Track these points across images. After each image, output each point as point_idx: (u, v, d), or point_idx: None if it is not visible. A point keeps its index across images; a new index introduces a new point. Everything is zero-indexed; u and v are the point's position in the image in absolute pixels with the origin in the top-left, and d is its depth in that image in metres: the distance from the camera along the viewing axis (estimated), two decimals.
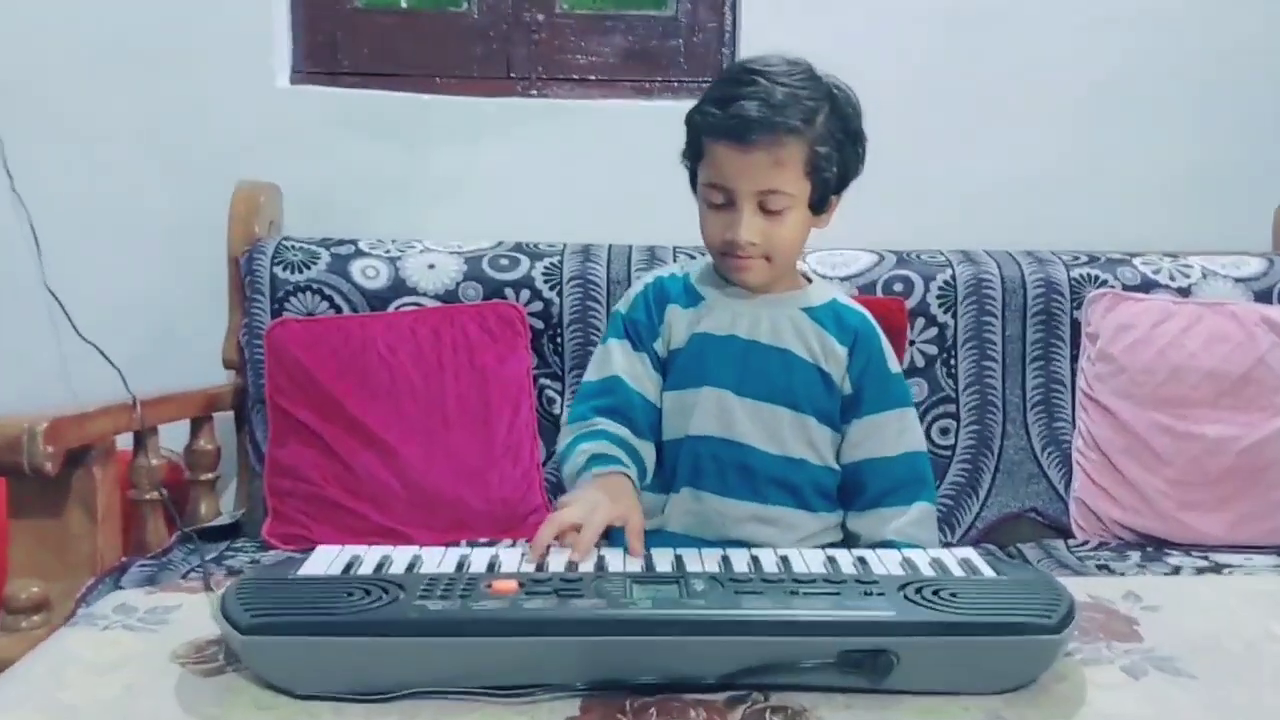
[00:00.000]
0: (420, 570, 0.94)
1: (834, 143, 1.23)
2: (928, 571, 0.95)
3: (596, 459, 1.20)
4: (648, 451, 1.28)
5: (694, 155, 1.27)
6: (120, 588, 1.33)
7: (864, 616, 0.85)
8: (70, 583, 1.36)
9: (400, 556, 0.97)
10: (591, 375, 1.34)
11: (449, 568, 0.94)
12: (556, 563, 0.98)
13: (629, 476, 1.19)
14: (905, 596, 0.88)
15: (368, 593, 0.86)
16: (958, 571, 0.96)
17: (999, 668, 0.85)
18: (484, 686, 0.82)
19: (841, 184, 1.27)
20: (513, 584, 0.88)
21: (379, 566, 0.94)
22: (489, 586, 0.87)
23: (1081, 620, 0.96)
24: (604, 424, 1.26)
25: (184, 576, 1.43)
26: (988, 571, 0.96)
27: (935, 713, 0.82)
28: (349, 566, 0.95)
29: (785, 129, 1.18)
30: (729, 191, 1.22)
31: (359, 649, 0.81)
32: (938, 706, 0.83)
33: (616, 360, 1.31)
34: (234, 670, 0.87)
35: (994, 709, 0.83)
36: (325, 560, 0.96)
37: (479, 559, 0.97)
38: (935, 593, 0.88)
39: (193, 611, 1.00)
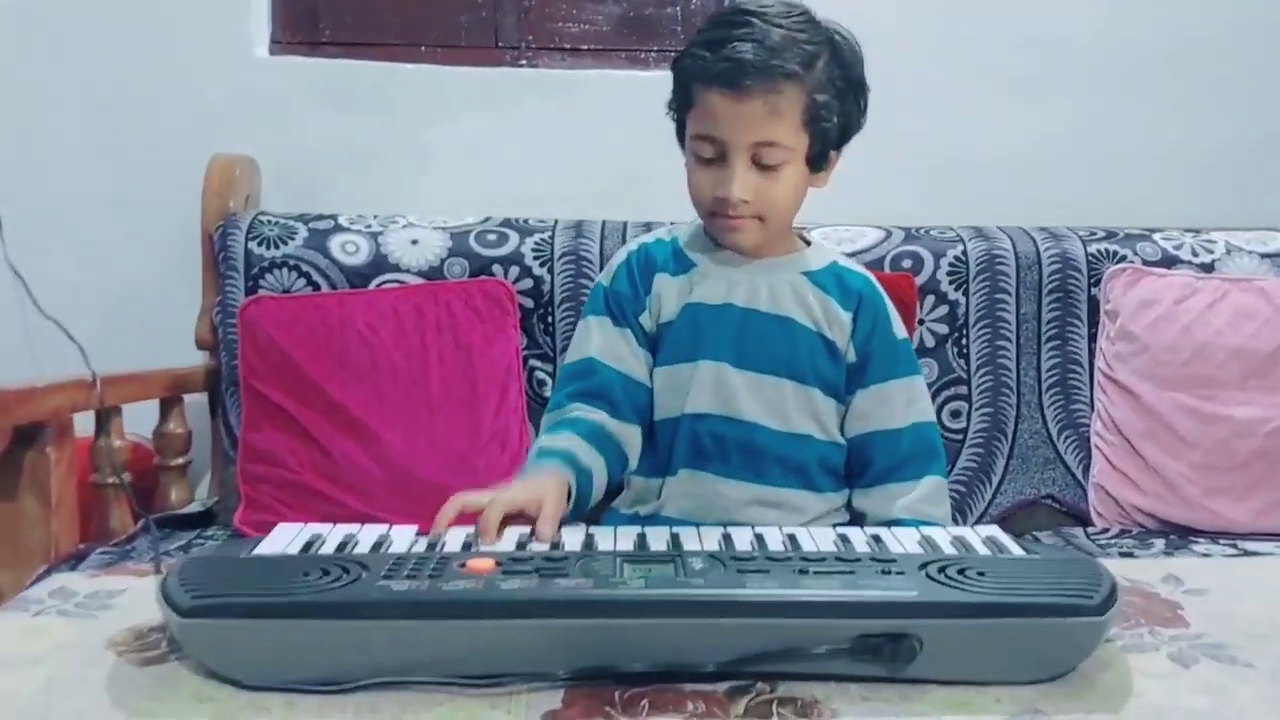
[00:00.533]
0: (388, 550, 0.85)
1: (834, 91, 1.13)
2: (950, 550, 0.86)
3: (543, 453, 1.10)
4: (629, 435, 1.19)
5: (682, 105, 1.17)
6: None
7: (882, 597, 0.75)
8: (22, 572, 1.27)
9: (367, 535, 0.88)
10: (570, 357, 1.25)
11: (420, 547, 0.85)
12: (539, 543, 0.89)
13: (559, 471, 1.06)
14: (928, 575, 0.78)
15: (326, 572, 0.77)
16: (983, 550, 0.87)
17: (1035, 654, 0.76)
18: (455, 675, 0.73)
19: (842, 138, 1.17)
20: (489, 563, 0.79)
21: (342, 545, 0.85)
22: (463, 566, 0.78)
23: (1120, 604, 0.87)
24: (578, 411, 1.17)
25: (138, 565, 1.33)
26: (1016, 550, 0.87)
27: (964, 705, 0.73)
28: (309, 545, 0.85)
29: (782, 74, 1.09)
30: (720, 144, 1.13)
31: (313, 633, 0.72)
32: (967, 698, 0.74)
33: (594, 339, 1.22)
34: (177, 659, 0.78)
35: (1030, 701, 0.73)
36: (284, 539, 0.87)
37: (454, 538, 0.89)
38: (961, 572, 0.79)
39: (139, 596, 0.90)
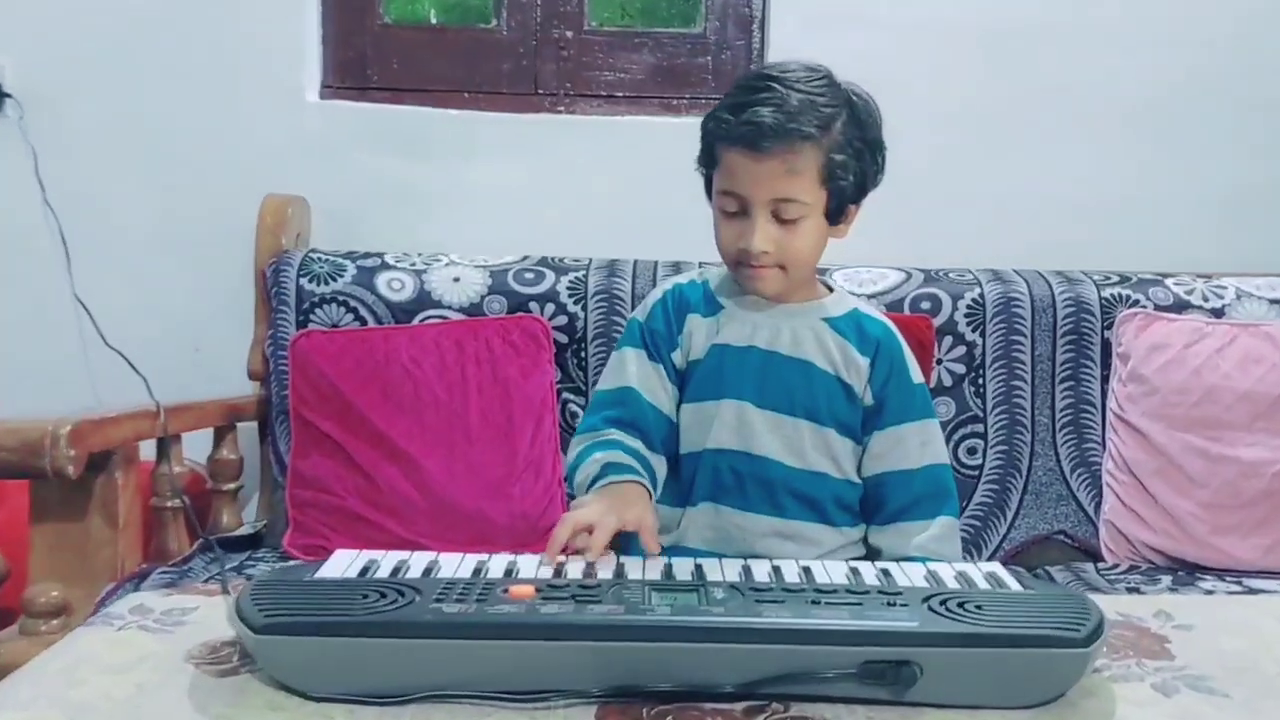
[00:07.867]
0: (437, 575, 0.93)
1: (851, 151, 1.21)
2: (953, 584, 0.94)
3: (611, 467, 1.19)
4: (659, 465, 1.27)
5: (708, 162, 1.26)
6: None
7: (887, 626, 0.83)
8: (90, 588, 1.37)
9: (417, 561, 0.96)
10: (605, 384, 1.33)
11: (466, 573, 0.94)
12: (574, 570, 0.97)
13: (643, 485, 1.18)
14: (929, 608, 0.86)
15: (383, 595, 0.86)
16: (983, 585, 0.94)
17: (1025, 682, 0.83)
18: (499, 691, 0.81)
19: (859, 193, 1.25)
20: (529, 589, 0.87)
21: (395, 570, 0.94)
22: (506, 591, 0.87)
23: (1111, 638, 0.94)
24: (616, 435, 1.26)
25: (204, 584, 1.43)
26: (1014, 585, 0.94)
27: None
28: (365, 570, 0.94)
29: (800, 136, 1.17)
30: (742, 199, 1.21)
31: (373, 650, 0.81)
32: None
33: (631, 370, 1.30)
34: (248, 671, 0.86)
35: None
36: (342, 564, 0.95)
37: (497, 565, 0.97)
38: (960, 605, 0.87)
39: (209, 613, 1.00)
